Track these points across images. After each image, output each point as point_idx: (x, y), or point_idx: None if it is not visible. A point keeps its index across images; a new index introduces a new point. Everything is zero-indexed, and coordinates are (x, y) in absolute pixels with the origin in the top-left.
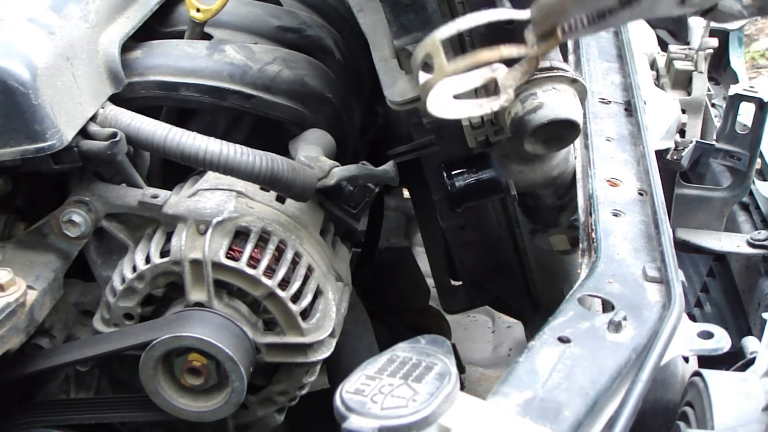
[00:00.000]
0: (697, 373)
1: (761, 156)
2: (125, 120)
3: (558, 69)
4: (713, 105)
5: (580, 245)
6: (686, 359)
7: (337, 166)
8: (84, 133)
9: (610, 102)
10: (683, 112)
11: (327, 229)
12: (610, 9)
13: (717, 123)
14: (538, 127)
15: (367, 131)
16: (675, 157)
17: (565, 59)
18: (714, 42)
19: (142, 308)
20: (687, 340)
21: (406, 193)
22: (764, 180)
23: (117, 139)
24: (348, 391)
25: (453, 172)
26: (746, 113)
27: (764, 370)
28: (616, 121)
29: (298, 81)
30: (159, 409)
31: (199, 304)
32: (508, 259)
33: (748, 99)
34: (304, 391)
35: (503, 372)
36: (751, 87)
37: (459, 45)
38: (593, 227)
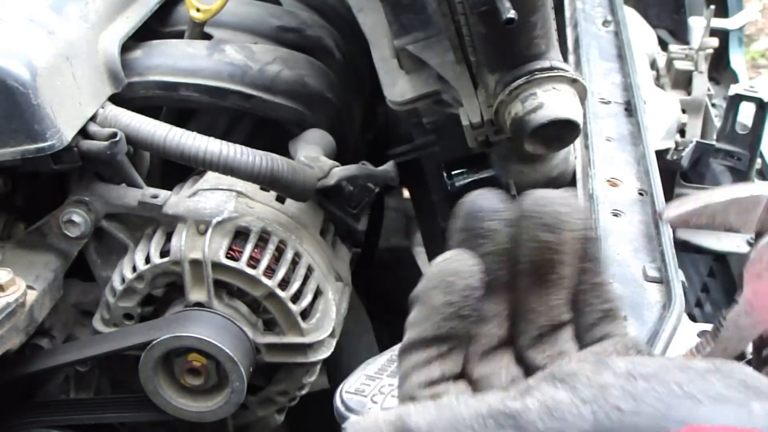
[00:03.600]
0: None
1: (761, 156)
2: (125, 120)
3: (558, 69)
4: (713, 105)
5: None
6: None
7: (337, 166)
8: (84, 133)
9: (610, 102)
10: (683, 112)
11: (327, 229)
12: None
13: (717, 123)
14: (538, 127)
15: (367, 131)
16: (675, 157)
17: (565, 59)
18: (714, 42)
19: (142, 308)
20: (687, 340)
21: (406, 193)
22: (764, 180)
23: (117, 139)
24: (348, 391)
25: (453, 172)
26: (746, 113)
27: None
28: (616, 121)
29: (298, 81)
30: (159, 409)
31: (199, 304)
32: None
33: (749, 99)
34: (304, 391)
35: None
36: (751, 87)
37: (460, 47)
38: (593, 227)
